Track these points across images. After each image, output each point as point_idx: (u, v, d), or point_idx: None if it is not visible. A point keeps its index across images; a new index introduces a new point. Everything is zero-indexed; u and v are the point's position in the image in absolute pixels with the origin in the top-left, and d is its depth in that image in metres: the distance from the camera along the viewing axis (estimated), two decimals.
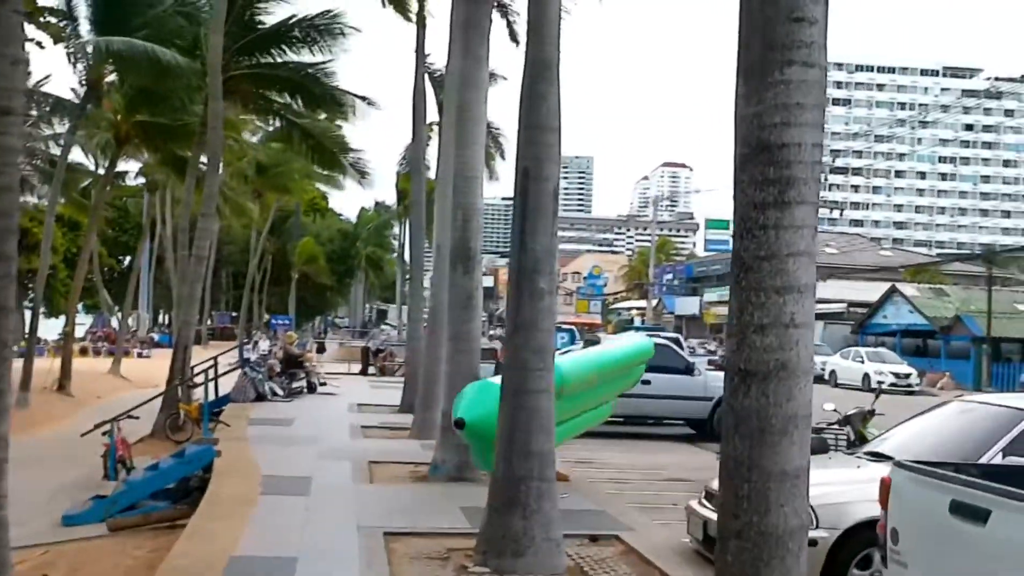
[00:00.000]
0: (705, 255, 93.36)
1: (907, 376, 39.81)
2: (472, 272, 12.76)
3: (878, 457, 8.30)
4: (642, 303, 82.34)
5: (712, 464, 16.23)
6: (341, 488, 11.39)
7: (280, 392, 22.97)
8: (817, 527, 7.44)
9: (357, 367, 35.22)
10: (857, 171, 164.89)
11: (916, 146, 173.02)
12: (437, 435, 12.87)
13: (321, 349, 42.33)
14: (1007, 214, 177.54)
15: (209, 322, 67.39)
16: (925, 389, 40.64)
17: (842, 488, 7.71)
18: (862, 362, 41.52)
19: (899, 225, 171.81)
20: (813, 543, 7.37)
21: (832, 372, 42.21)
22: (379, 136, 49.23)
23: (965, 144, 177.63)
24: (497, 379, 14.59)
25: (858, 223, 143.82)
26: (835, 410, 12.73)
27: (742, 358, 4.95)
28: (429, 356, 17.04)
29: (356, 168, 26.44)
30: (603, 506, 10.97)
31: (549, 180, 8.32)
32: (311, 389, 24.81)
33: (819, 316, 57.51)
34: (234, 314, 70.76)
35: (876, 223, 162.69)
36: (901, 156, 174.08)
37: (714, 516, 8.07)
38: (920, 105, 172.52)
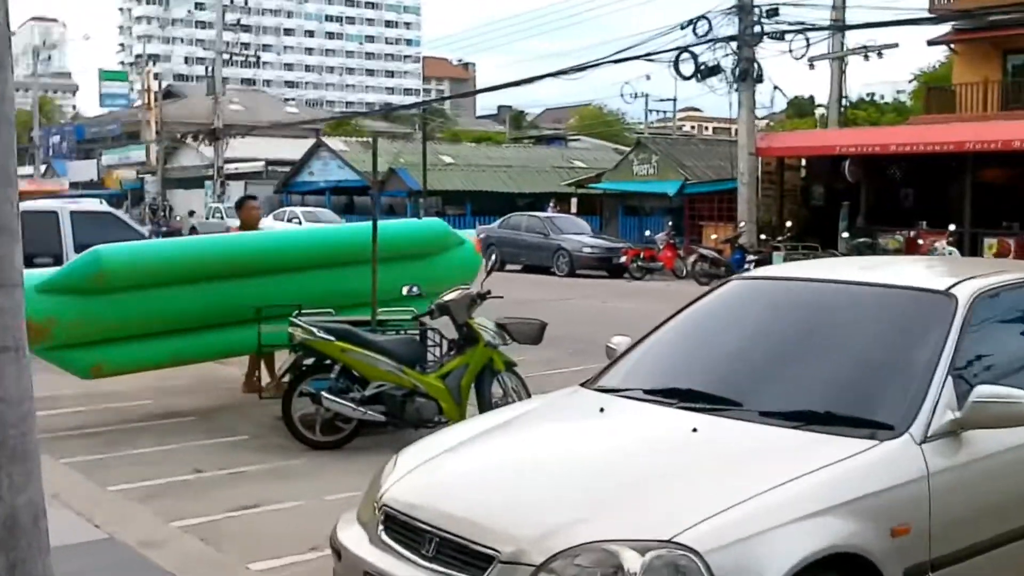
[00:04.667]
0: (98, 114, 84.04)
1: None
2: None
3: (681, 398, 4.29)
4: (27, 169, 71.97)
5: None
6: None
7: None
8: None
9: None
10: (246, 28, 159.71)
11: (303, 4, 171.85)
12: None
13: None
14: (391, 74, 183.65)
15: None
16: None
17: (724, 496, 3.52)
18: (299, 223, 37.92)
19: (290, 84, 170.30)
20: None
21: None
22: None
23: (350, 3, 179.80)
24: None
25: (250, 82, 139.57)
26: (418, 293, 8.57)
27: None
28: None
29: None
30: (105, 520, 5.90)
31: None
32: None
33: (238, 176, 53.16)
34: None
35: (268, 82, 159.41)
36: (289, 14, 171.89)
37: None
38: None
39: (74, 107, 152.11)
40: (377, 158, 9.26)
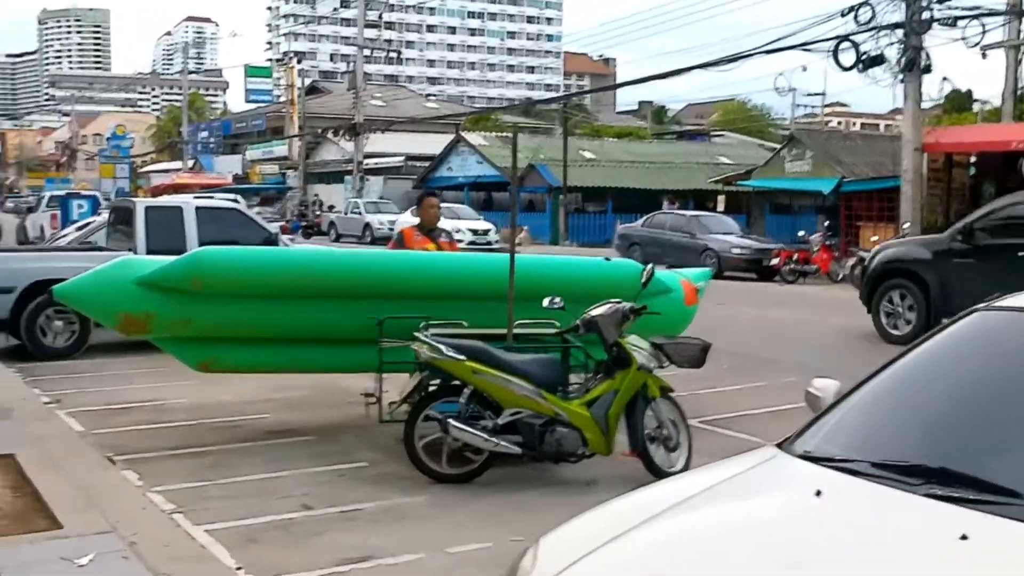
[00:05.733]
0: (243, 110, 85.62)
1: (486, 232, 36.09)
2: None
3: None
4: (176, 164, 73.66)
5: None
6: None
7: None
8: None
9: None
10: (390, 25, 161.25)
11: (445, 2, 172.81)
12: None
13: None
14: (532, 69, 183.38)
15: None
16: (504, 245, 37.28)
17: None
18: None
19: (432, 80, 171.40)
20: None
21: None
22: None
23: (492, 0, 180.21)
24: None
25: (392, 78, 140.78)
26: (560, 306, 7.42)
27: None
28: None
29: None
30: None
31: None
32: None
33: (377, 171, 53.05)
34: None
35: (410, 78, 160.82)
36: (432, 10, 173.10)
37: None
38: None
39: (224, 103, 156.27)
40: (517, 152, 8.14)
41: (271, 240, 13.66)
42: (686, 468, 7.17)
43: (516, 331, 7.64)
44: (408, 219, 38.67)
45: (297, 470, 7.38)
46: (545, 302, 7.43)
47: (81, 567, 4.85)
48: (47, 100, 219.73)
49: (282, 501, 6.64)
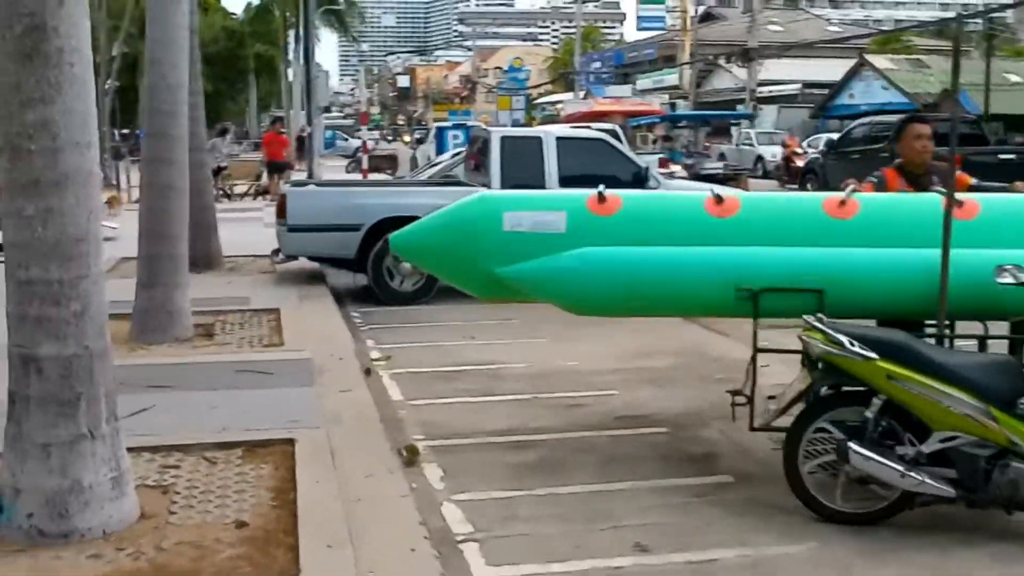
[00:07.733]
0: (636, 39, 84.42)
1: None
2: None
3: None
4: (568, 95, 73.83)
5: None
6: None
7: None
8: None
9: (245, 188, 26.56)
10: None
11: None
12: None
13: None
14: None
15: None
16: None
17: None
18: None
19: (835, 3, 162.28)
20: None
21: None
22: None
23: None
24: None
25: (793, 1, 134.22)
26: (1022, 282, 5.06)
27: None
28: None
29: None
30: None
31: None
32: None
33: (771, 100, 49.91)
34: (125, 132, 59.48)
35: (812, 1, 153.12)
36: None
37: None
38: None
39: (620, 35, 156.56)
40: (959, 65, 5.75)
41: (640, 176, 11.92)
42: None
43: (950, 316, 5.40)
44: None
45: (639, 481, 5.63)
46: (996, 274, 5.15)
47: None
48: (455, 36, 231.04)
49: (611, 534, 4.91)
